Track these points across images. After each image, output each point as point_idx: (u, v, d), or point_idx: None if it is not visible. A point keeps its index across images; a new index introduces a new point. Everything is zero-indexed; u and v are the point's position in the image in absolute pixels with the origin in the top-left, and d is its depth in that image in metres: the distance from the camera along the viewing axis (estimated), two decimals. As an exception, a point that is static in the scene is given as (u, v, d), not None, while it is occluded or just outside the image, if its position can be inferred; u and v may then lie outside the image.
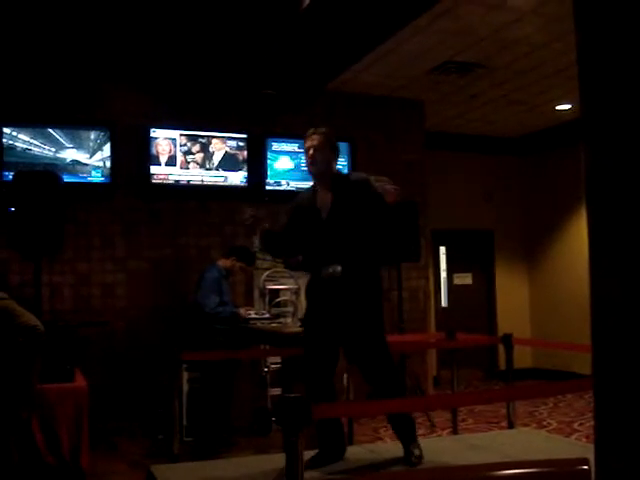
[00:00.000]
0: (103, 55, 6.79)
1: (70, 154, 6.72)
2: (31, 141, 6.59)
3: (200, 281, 6.31)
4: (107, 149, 6.82)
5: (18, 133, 6.55)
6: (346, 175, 4.01)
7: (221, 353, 5.66)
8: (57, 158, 6.67)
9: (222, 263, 6.43)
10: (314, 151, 3.83)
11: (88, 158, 6.77)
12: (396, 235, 4.12)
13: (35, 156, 6.57)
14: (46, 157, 6.62)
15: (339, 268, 3.71)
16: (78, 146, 6.76)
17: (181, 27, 6.30)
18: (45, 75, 6.76)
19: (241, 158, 7.37)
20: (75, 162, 6.73)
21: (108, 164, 6.82)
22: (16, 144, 6.53)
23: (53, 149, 6.66)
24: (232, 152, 7.35)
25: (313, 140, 3.86)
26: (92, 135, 6.81)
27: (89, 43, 6.55)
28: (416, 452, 3.68)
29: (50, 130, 6.66)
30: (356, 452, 3.96)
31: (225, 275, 6.39)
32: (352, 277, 3.72)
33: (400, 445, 3.78)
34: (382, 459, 3.81)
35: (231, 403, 6.20)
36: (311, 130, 3.93)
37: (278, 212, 7.62)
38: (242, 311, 6.32)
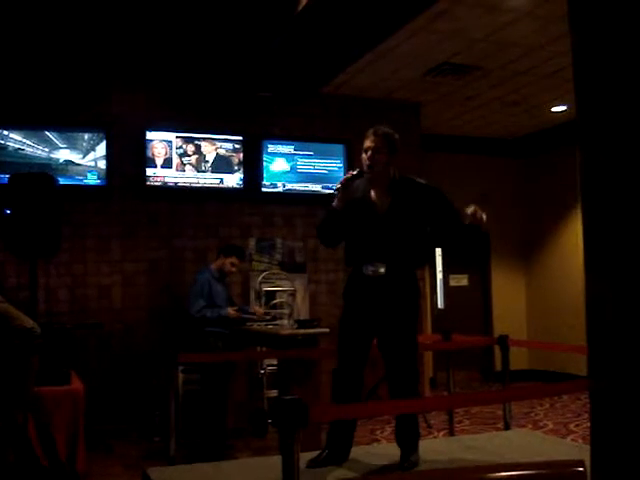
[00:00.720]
0: (100, 57, 6.80)
1: (63, 154, 6.72)
2: (24, 141, 6.60)
3: (190, 285, 6.30)
4: (100, 149, 6.81)
5: (10, 133, 6.56)
6: (410, 179, 3.87)
7: (217, 355, 5.64)
8: (50, 158, 6.67)
9: (214, 265, 6.34)
10: (372, 153, 3.74)
11: (81, 158, 6.77)
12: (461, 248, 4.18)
13: (27, 156, 6.58)
14: (39, 157, 6.62)
15: (383, 269, 3.69)
16: (71, 146, 6.76)
17: (178, 29, 6.30)
18: (41, 77, 6.75)
19: (237, 160, 7.37)
20: (68, 162, 6.73)
21: (101, 164, 6.82)
22: (8, 144, 6.54)
23: (47, 149, 6.67)
24: (228, 154, 7.35)
25: (372, 141, 3.76)
26: (86, 135, 6.82)
27: (85, 45, 6.55)
28: (412, 458, 3.65)
29: (45, 131, 6.66)
30: (353, 453, 3.95)
31: (218, 277, 6.25)
32: (394, 279, 3.70)
33: (397, 446, 3.77)
34: (379, 461, 3.80)
35: (227, 405, 6.17)
36: (371, 130, 3.81)
37: (274, 214, 7.67)
38: (230, 311, 6.17)
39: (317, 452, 3.72)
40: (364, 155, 3.79)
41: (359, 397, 3.81)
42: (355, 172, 3.79)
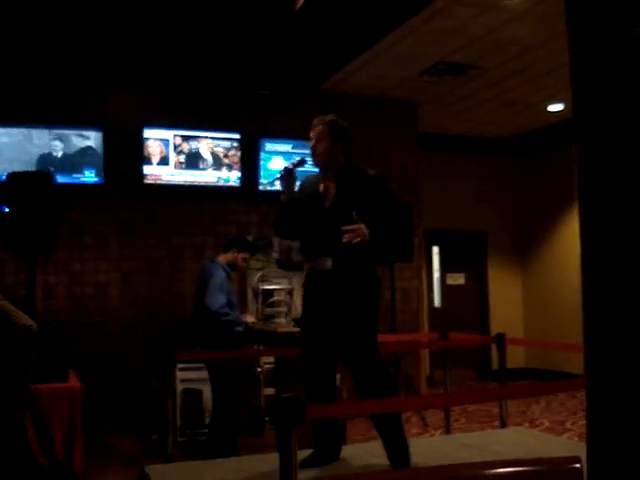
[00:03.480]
0: (97, 55, 6.79)
1: (61, 152, 6.73)
2: (21, 138, 6.60)
3: (205, 280, 5.70)
4: (97, 147, 6.82)
5: (6, 130, 6.57)
6: (357, 168, 3.81)
7: (215, 353, 5.59)
8: (47, 156, 6.68)
9: (223, 259, 5.85)
10: (315, 142, 3.76)
11: (78, 156, 6.78)
12: (397, 236, 3.97)
13: (24, 153, 6.58)
14: (36, 155, 6.63)
15: (330, 262, 3.59)
16: (69, 144, 6.76)
17: (175, 28, 6.30)
18: (38, 74, 6.75)
19: (234, 158, 7.38)
20: (65, 160, 6.73)
21: (98, 162, 6.81)
22: (4, 141, 6.54)
23: (44, 147, 6.67)
24: (225, 152, 7.35)
25: (315, 130, 3.78)
26: (83, 133, 6.82)
27: (83, 42, 6.55)
28: None
29: (42, 129, 6.67)
30: (350, 452, 3.96)
31: (229, 273, 5.85)
32: (343, 272, 3.58)
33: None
34: (376, 458, 3.81)
35: (242, 402, 5.96)
36: (316, 120, 3.81)
37: (271, 212, 7.65)
38: (250, 318, 5.97)
39: (309, 451, 3.71)
40: (311, 144, 3.80)
41: (333, 396, 3.74)
42: (295, 161, 3.83)
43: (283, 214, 3.86)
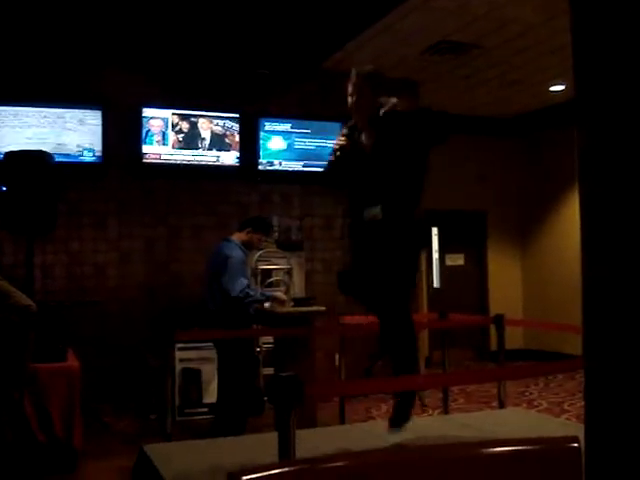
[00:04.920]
0: (95, 34, 6.73)
1: (59, 131, 6.69)
2: (19, 118, 6.56)
3: (222, 262, 5.40)
4: (96, 126, 6.78)
5: (5, 109, 6.53)
6: (395, 112, 3.65)
7: (214, 332, 5.56)
8: (46, 136, 6.64)
9: (238, 238, 5.60)
10: (357, 97, 3.65)
11: (77, 135, 6.74)
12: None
13: (23, 133, 6.54)
14: (34, 134, 6.59)
15: (378, 210, 3.55)
16: (67, 123, 6.72)
17: (174, 6, 6.24)
18: (37, 53, 6.70)
19: (234, 138, 7.34)
20: (64, 139, 6.70)
21: (97, 142, 6.78)
22: (3, 121, 6.51)
23: (42, 126, 6.63)
24: (224, 132, 7.32)
25: (351, 86, 3.67)
26: (81, 112, 6.79)
27: (81, 21, 6.49)
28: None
29: (40, 108, 6.63)
30: (348, 431, 3.98)
31: (246, 253, 5.65)
32: (392, 221, 3.55)
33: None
34: (374, 438, 3.82)
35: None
36: (352, 72, 3.71)
37: (270, 192, 7.65)
38: (279, 293, 5.80)
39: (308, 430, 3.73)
40: (349, 99, 3.69)
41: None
42: (346, 131, 3.71)
43: (332, 171, 3.82)
